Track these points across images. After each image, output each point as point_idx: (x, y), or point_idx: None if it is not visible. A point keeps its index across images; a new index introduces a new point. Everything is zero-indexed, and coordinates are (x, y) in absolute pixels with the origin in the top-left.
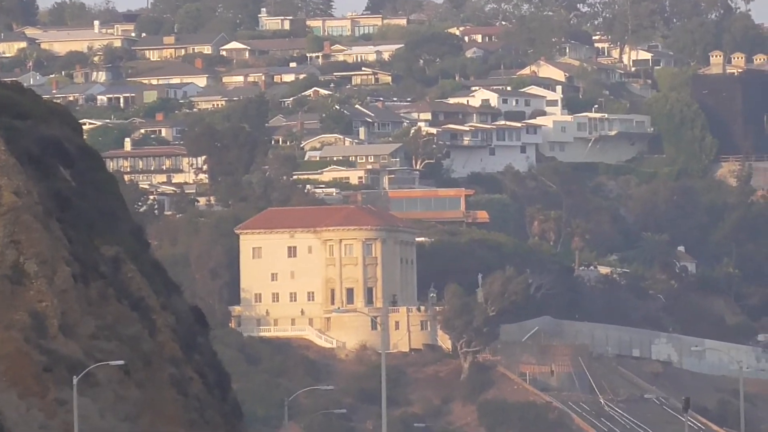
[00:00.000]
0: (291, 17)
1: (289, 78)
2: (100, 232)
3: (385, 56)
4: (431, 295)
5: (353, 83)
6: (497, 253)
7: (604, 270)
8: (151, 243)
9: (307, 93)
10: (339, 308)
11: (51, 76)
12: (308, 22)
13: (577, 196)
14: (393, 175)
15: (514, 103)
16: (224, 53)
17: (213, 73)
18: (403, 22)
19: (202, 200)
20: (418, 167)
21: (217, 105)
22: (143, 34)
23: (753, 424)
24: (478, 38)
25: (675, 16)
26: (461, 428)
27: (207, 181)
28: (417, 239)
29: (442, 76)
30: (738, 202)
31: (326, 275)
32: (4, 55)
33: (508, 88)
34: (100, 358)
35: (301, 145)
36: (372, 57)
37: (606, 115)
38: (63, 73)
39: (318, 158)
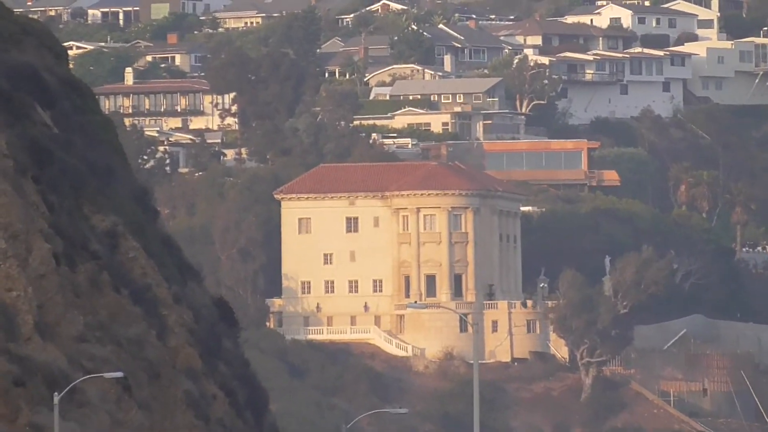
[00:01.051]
0: None
1: None
2: (91, 197)
3: None
4: (542, 285)
5: None
6: (631, 227)
7: None
8: (161, 211)
9: (373, 7)
10: (416, 302)
11: None
12: None
13: (738, 152)
14: (489, 121)
15: (654, 23)
16: None
17: None
18: None
19: (230, 153)
20: (523, 110)
21: (251, 23)
22: None
23: None
24: None
25: None
26: None
27: (237, 127)
28: (522, 208)
29: None
30: None
31: (398, 257)
32: None
33: (647, 3)
34: (91, 369)
35: (365, 79)
36: None
37: None
38: None
39: (388, 97)
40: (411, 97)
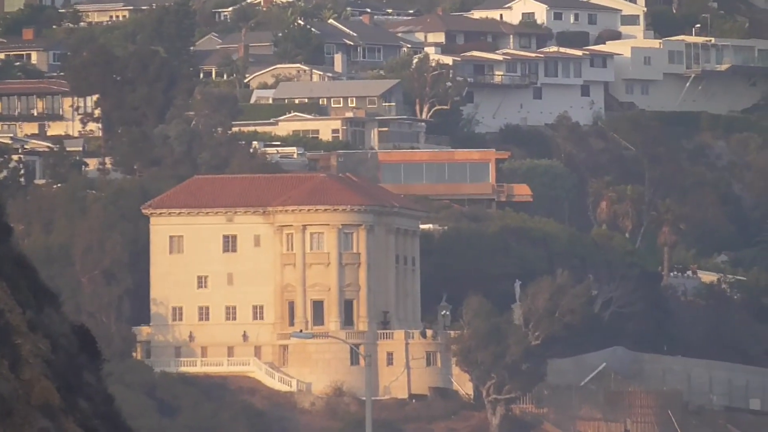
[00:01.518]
0: None
1: None
2: None
3: None
4: (443, 312)
5: None
6: (544, 249)
7: (707, 278)
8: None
9: (254, 0)
10: (301, 331)
11: None
12: None
13: (667, 165)
14: (386, 128)
15: (571, 19)
16: None
17: None
18: None
19: (93, 163)
20: (424, 116)
21: (116, 18)
22: None
23: None
24: None
25: None
26: None
27: (100, 134)
28: (422, 227)
29: None
30: None
31: (282, 281)
32: None
33: None
34: None
35: (245, 81)
36: None
37: (713, 40)
38: None
39: (271, 101)
40: (297, 101)
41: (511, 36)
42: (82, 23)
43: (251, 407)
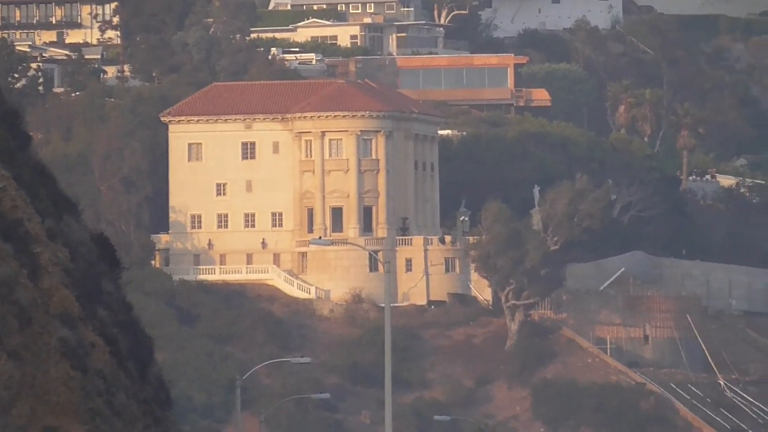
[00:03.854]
0: None
1: None
2: None
3: None
4: (462, 218)
5: None
6: (563, 154)
7: (726, 182)
8: (34, 136)
9: None
10: (320, 238)
11: None
12: None
13: (686, 68)
14: (404, 34)
15: None
16: None
17: None
18: None
19: (112, 71)
20: (442, 21)
21: None
22: None
23: None
24: None
25: None
26: (506, 423)
27: (119, 41)
28: (440, 132)
29: None
30: None
31: (301, 187)
32: None
33: None
34: None
35: None
36: None
37: None
38: None
39: (289, 7)
40: (315, 7)
41: None
42: None
43: (270, 315)
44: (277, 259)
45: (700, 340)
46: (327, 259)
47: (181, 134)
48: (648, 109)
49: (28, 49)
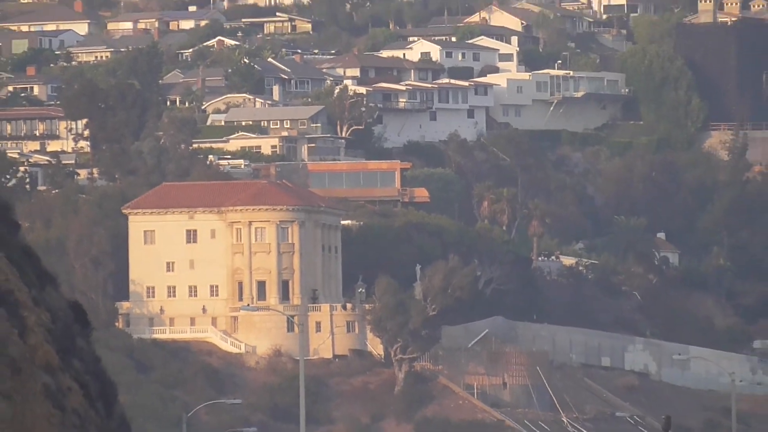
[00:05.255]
0: None
1: (187, 25)
2: None
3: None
4: (359, 290)
5: (265, 32)
6: (439, 239)
7: (567, 261)
8: (22, 224)
9: (209, 43)
10: (248, 305)
11: None
12: None
13: (535, 172)
14: (313, 144)
15: (459, 57)
16: None
17: (96, 19)
18: None
19: (83, 173)
20: (343, 135)
21: (101, 57)
22: None
23: None
24: None
25: None
26: None
27: (88, 149)
28: (342, 222)
29: (373, 24)
30: (730, 180)
31: (232, 265)
32: None
33: (453, 39)
34: None
35: (203, 107)
36: (288, 0)
37: (571, 73)
38: None
39: (223, 123)
40: (243, 123)
41: (412, 70)
42: (73, 62)
43: (209, 366)
44: (214, 321)
45: (547, 386)
46: (253, 322)
47: (138, 223)
48: (505, 204)
49: (17, 156)
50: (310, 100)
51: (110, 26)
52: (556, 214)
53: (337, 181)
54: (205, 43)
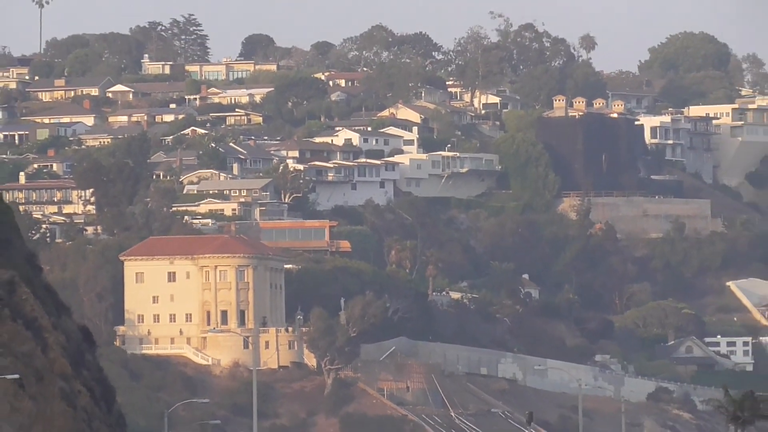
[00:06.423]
0: (171, 62)
1: (169, 118)
2: None
3: (257, 99)
4: (298, 317)
5: (227, 123)
6: (358, 279)
7: (455, 295)
8: (43, 268)
9: (185, 132)
10: (214, 328)
11: None
12: (187, 67)
13: (431, 228)
14: (264, 208)
15: (374, 142)
16: (110, 95)
17: (100, 113)
18: (273, 67)
19: (90, 229)
20: (286, 200)
21: (104, 142)
22: (36, 77)
23: None
24: (342, 83)
25: (522, 63)
26: None
27: (94, 211)
28: (285, 266)
29: (309, 117)
30: (578, 235)
31: (202, 298)
32: None
33: (369, 129)
34: None
35: (180, 180)
36: (245, 99)
37: (458, 154)
38: None
39: (195, 191)
40: (211, 192)
41: (338, 152)
42: (83, 146)
43: (185, 374)
44: (189, 341)
45: (440, 389)
46: (218, 341)
47: (131, 267)
48: (408, 253)
49: (41, 216)
50: (261, 174)
51: (111, 119)
52: (447, 260)
53: (282, 235)
54: (182, 132)
